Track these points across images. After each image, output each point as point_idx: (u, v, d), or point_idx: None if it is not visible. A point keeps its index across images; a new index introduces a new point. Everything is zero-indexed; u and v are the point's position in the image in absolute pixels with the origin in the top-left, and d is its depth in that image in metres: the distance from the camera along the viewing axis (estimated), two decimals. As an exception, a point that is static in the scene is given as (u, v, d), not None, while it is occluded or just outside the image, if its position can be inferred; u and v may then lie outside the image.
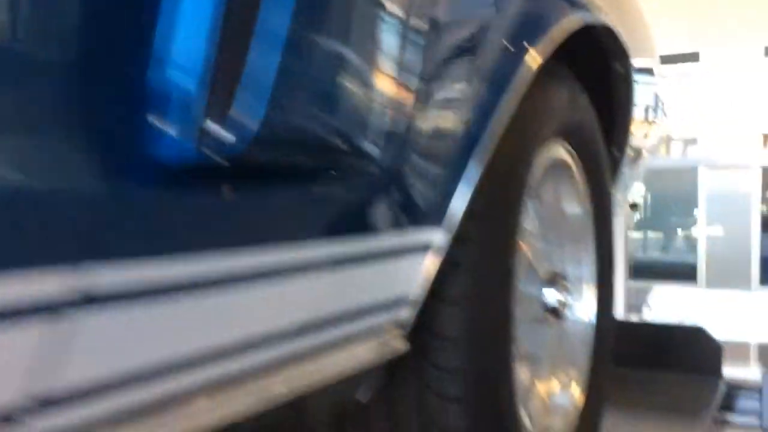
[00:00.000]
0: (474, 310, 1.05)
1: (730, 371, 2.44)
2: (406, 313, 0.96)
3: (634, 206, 4.39)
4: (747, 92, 7.83)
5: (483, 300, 1.06)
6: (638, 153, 2.32)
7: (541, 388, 1.49)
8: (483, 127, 1.00)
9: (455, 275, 1.05)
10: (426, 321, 1.05)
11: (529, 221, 1.41)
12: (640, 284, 6.51)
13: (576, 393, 1.51)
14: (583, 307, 1.59)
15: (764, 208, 7.21)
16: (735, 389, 2.35)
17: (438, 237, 0.97)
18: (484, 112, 1.01)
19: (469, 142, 0.99)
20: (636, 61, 1.65)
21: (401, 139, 0.92)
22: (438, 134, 0.98)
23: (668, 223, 8.20)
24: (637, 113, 2.09)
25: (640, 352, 2.45)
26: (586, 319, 1.58)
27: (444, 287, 1.05)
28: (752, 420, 2.28)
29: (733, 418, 2.32)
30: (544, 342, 1.46)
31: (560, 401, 1.49)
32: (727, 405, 2.32)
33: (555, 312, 1.42)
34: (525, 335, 1.38)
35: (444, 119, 0.99)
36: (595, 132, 1.50)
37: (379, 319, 0.93)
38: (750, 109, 7.84)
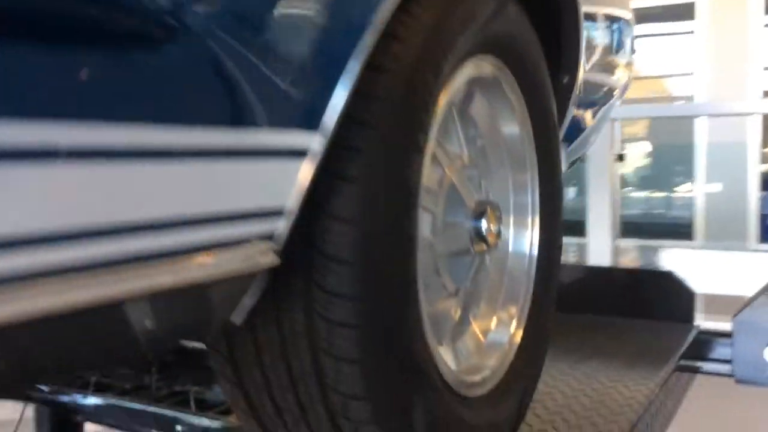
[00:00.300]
0: (365, 229, 0.95)
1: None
2: (278, 225, 0.86)
3: (620, 157, 4.31)
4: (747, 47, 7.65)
5: (375, 219, 0.95)
6: (607, 92, 2.22)
7: (475, 325, 1.40)
8: (364, 21, 0.89)
9: (343, 189, 0.94)
10: (312, 238, 0.96)
11: (455, 143, 1.31)
12: (632, 242, 6.41)
13: (514, 331, 1.42)
14: (523, 239, 1.49)
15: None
16: (707, 336, 2.26)
17: (314, 142, 0.87)
18: (367, 4, 0.90)
19: (348, 37, 0.89)
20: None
21: (274, 23, 0.82)
22: (316, 24, 0.88)
23: (666, 180, 8.08)
24: (603, 49, 1.99)
25: (609, 297, 2.36)
26: (526, 252, 1.48)
27: (331, 201, 0.95)
28: (725, 367, 2.18)
29: (705, 366, 2.24)
30: (477, 276, 1.37)
31: (496, 339, 1.40)
32: (699, 353, 2.23)
33: (486, 243, 1.32)
34: (452, 268, 1.29)
35: (323, 7, 0.88)
36: (531, 48, 1.39)
37: (245, 227, 0.83)
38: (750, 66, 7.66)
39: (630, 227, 7.09)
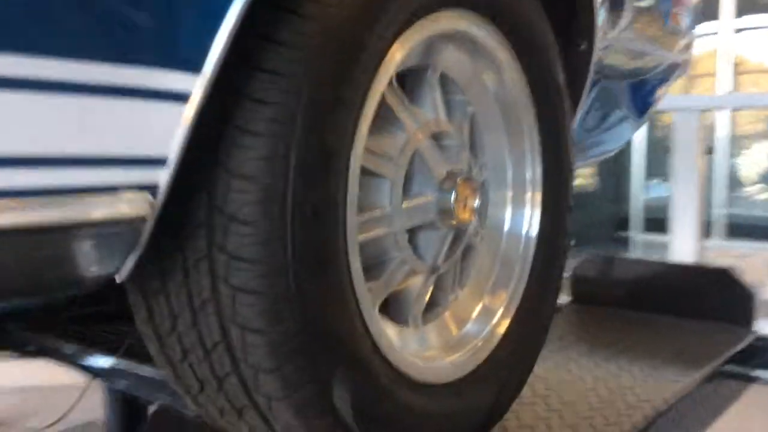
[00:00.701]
0: (270, 188, 0.86)
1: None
2: (157, 176, 0.79)
3: (709, 150, 4.02)
4: None
5: (282, 178, 0.86)
6: (670, 66, 2.05)
7: (452, 309, 1.29)
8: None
9: (246, 143, 0.87)
10: (213, 195, 0.88)
11: (427, 107, 1.20)
12: (733, 244, 6.00)
13: (498, 320, 1.29)
14: (520, 219, 1.36)
15: None
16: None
17: (195, 86, 0.79)
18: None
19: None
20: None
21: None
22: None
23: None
24: (645, 22, 1.83)
25: (658, 293, 2.17)
26: (522, 233, 1.35)
27: (232, 156, 0.87)
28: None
29: (763, 375, 2.03)
30: (453, 256, 1.25)
31: (475, 327, 1.28)
32: (755, 360, 2.02)
33: (455, 219, 1.19)
34: (417, 242, 1.19)
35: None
36: (526, 6, 1.26)
37: (116, 173, 0.76)
38: None
39: (740, 229, 6.65)
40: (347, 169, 0.95)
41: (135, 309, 1.01)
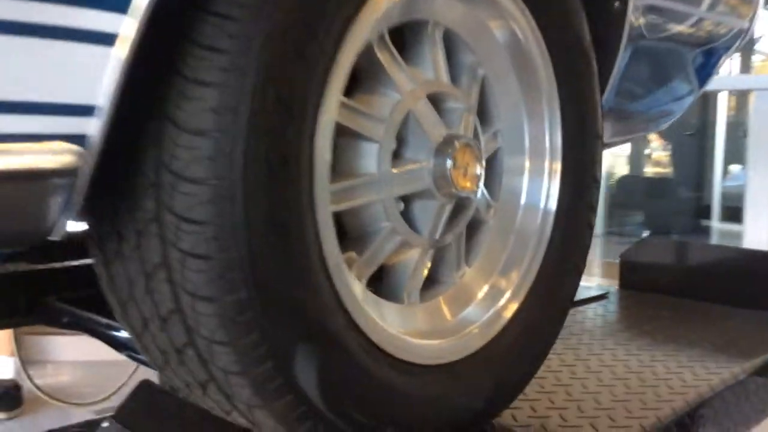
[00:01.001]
0: (220, 144, 0.79)
1: None
2: (86, 125, 0.73)
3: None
4: None
5: (234, 134, 0.79)
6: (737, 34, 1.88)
7: (453, 288, 1.19)
8: None
9: (194, 92, 0.79)
10: (161, 151, 0.82)
11: (426, 65, 1.11)
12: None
13: (506, 302, 1.19)
14: (538, 190, 1.25)
15: None
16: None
17: (125, 28, 0.72)
18: None
19: None
20: None
21: None
22: None
23: None
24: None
25: (712, 279, 2.00)
26: (540, 206, 1.24)
27: (181, 108, 0.80)
28: None
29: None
30: (455, 229, 1.15)
31: (477, 310, 1.17)
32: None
33: (454, 187, 1.08)
34: (411, 213, 1.09)
35: None
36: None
37: (39, 122, 0.70)
38: None
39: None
40: (314, 125, 0.87)
41: (98, 273, 0.96)
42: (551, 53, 1.19)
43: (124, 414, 1.13)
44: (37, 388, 3.45)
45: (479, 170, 1.12)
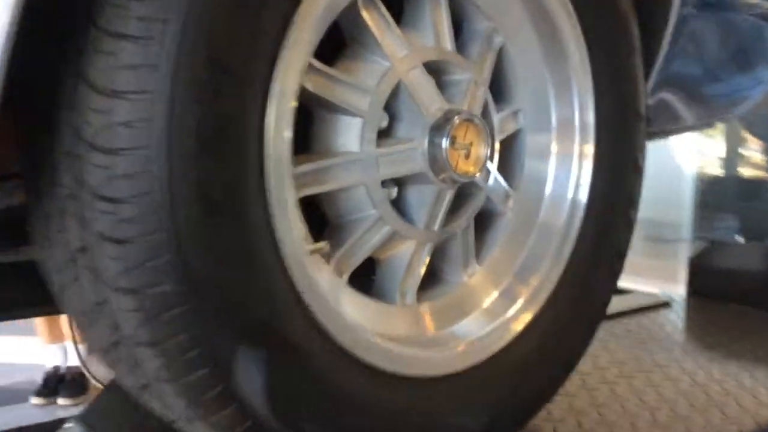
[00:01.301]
0: (139, 107, 0.66)
1: None
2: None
3: None
4: None
5: (152, 92, 0.65)
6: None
7: (457, 289, 1.03)
8: None
9: (109, 47, 0.67)
10: (74, 116, 0.70)
11: (425, 30, 0.95)
12: None
13: (517, 312, 1.02)
14: (561, 179, 1.08)
15: None
16: None
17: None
18: None
19: None
20: None
21: None
22: None
23: None
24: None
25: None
26: (568, 196, 1.07)
27: (92, 65, 0.68)
28: None
29: None
30: (460, 220, 0.99)
31: (481, 318, 1.01)
32: None
33: (453, 171, 0.92)
34: (403, 199, 0.95)
35: None
36: None
37: None
38: None
39: None
40: (264, 92, 0.73)
41: (38, 257, 0.85)
42: (579, 15, 1.02)
43: (88, 415, 1.03)
44: (92, 376, 3.45)
45: (485, 151, 0.96)
